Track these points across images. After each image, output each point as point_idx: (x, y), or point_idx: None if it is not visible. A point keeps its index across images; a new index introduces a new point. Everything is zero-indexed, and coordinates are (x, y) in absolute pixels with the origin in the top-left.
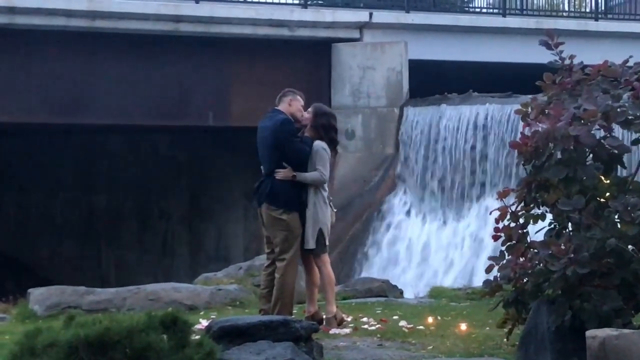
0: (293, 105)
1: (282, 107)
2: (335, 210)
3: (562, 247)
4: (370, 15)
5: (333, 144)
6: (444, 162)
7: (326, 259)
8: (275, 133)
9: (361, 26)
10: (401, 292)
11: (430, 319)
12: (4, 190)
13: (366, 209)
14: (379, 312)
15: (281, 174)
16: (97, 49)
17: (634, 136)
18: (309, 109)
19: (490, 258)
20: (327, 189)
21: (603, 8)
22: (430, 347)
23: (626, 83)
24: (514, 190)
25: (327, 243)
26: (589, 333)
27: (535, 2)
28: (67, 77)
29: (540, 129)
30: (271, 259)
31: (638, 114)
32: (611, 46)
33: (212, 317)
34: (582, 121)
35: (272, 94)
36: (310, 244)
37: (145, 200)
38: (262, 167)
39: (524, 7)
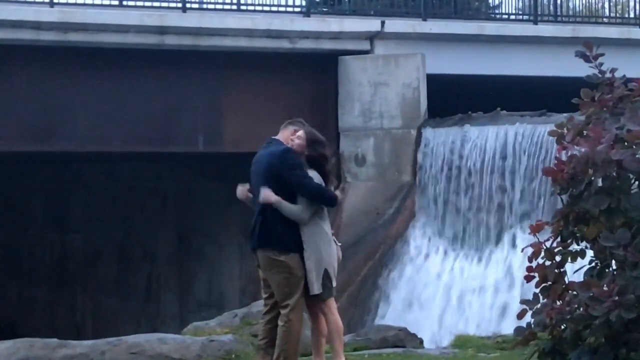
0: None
1: (281, 136)
2: (340, 244)
3: (605, 288)
4: (382, 24)
5: (326, 178)
6: (467, 190)
7: (332, 304)
8: (276, 163)
9: (372, 36)
10: (421, 342)
11: None
12: None
13: (380, 245)
14: None
15: (266, 194)
16: (70, 65)
17: None
18: (299, 133)
19: (522, 302)
20: (328, 221)
21: None
22: None
23: None
24: (549, 223)
25: (334, 285)
26: None
27: (571, 7)
28: (36, 98)
29: (577, 153)
30: (269, 305)
31: None
32: None
33: None
34: (626, 143)
35: (270, 115)
36: (315, 288)
37: (127, 239)
38: (254, 202)
39: (559, 13)
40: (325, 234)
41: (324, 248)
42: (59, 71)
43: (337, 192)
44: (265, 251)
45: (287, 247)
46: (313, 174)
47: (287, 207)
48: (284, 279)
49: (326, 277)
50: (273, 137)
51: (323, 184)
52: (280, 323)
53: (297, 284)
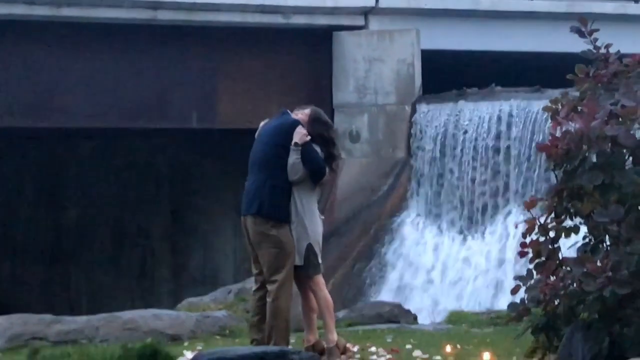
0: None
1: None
2: (322, 217)
3: (599, 264)
4: None
5: (332, 161)
6: (462, 167)
7: (320, 280)
8: (285, 132)
9: (366, 12)
10: (415, 318)
11: (448, 348)
12: None
13: (374, 222)
14: (389, 340)
15: (302, 132)
16: (63, 41)
17: None
18: (305, 110)
19: (516, 277)
20: (317, 197)
21: None
22: None
23: None
24: (543, 199)
25: (320, 261)
26: None
27: None
28: (29, 73)
29: (572, 129)
30: (260, 282)
31: None
32: None
33: (197, 348)
34: (620, 119)
35: (264, 91)
36: (297, 260)
37: (121, 216)
38: (250, 173)
39: None
40: (313, 210)
41: (310, 224)
42: (51, 46)
43: (328, 177)
44: (257, 223)
45: (279, 217)
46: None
47: (298, 155)
48: (274, 254)
49: (311, 253)
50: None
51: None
52: (268, 300)
53: (286, 259)
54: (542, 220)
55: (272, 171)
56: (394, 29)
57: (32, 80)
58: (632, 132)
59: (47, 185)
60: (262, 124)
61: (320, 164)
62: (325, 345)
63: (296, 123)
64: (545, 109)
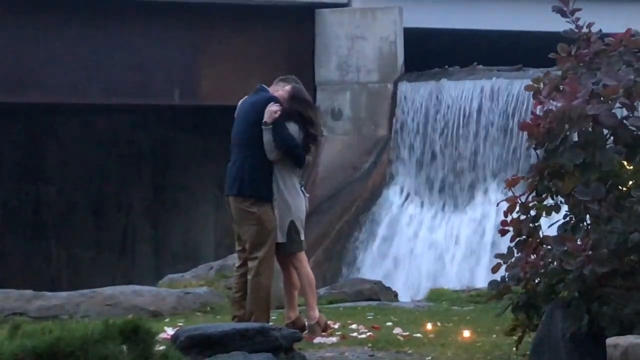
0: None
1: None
2: (307, 195)
3: (579, 242)
4: None
5: (309, 140)
6: (444, 145)
7: (303, 257)
8: (259, 109)
9: None
10: (396, 295)
11: (428, 326)
12: None
13: (356, 200)
14: (370, 317)
15: (273, 108)
16: (45, 16)
17: None
18: (286, 87)
19: (497, 256)
20: (298, 175)
21: None
22: (429, 357)
23: None
24: (524, 178)
25: (303, 238)
26: (609, 341)
27: None
28: (8, 48)
29: (553, 108)
30: (243, 258)
31: None
32: (636, 12)
33: (179, 324)
34: (602, 98)
35: (247, 68)
36: (279, 237)
37: (102, 191)
38: (232, 152)
39: None
40: (295, 187)
41: (292, 201)
42: (33, 22)
43: (308, 157)
44: (238, 201)
45: (261, 196)
46: (292, 128)
47: (270, 134)
48: (255, 231)
49: (293, 230)
50: (263, 85)
51: (299, 140)
52: (249, 277)
53: (267, 236)
54: (523, 198)
55: (251, 150)
56: (377, 6)
57: (11, 55)
58: (613, 111)
59: (28, 160)
60: (240, 101)
61: (290, 143)
62: (306, 322)
63: (271, 100)
64: (527, 87)
